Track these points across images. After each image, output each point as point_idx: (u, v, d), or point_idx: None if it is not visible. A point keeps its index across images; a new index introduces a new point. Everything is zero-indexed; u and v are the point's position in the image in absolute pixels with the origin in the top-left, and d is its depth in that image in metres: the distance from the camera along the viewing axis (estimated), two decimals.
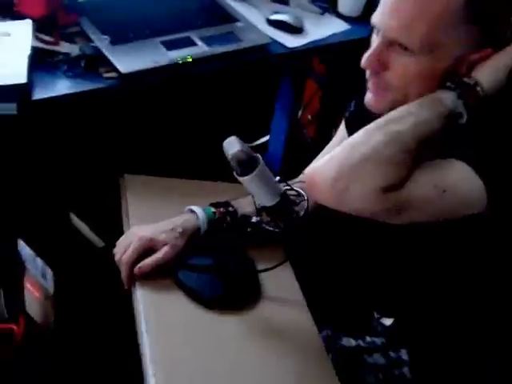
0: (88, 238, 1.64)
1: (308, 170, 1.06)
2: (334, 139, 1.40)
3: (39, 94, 1.35)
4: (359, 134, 1.02)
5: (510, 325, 1.18)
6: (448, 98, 1.01)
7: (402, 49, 1.03)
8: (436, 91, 1.03)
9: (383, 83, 1.08)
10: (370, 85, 1.11)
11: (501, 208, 1.00)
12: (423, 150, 0.99)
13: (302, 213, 1.14)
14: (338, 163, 0.99)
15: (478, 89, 1.01)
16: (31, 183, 1.71)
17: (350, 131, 1.34)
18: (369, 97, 1.12)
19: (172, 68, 1.47)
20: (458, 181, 1.00)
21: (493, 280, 1.16)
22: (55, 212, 1.77)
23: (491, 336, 1.22)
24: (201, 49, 1.52)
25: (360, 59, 1.10)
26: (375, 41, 1.07)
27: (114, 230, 1.33)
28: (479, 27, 1.02)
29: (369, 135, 1.00)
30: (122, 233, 1.28)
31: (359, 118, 1.27)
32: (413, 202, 0.98)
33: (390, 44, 1.04)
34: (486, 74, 1.02)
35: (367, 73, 1.10)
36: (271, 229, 1.15)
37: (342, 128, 1.38)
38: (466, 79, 1.02)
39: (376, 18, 1.07)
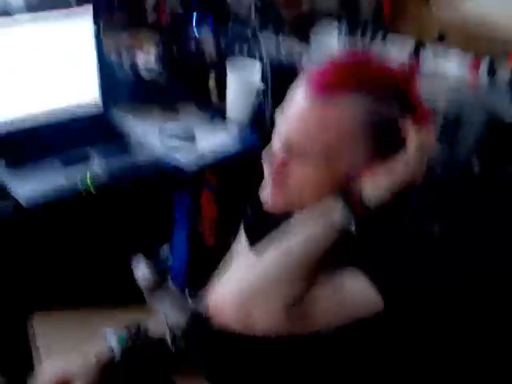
0: None
1: (210, 299, 1.08)
2: (234, 247, 1.43)
3: None
4: (254, 258, 1.08)
5: None
6: (336, 210, 1.07)
7: (302, 156, 1.08)
8: (324, 203, 1.09)
9: (281, 182, 1.12)
10: (268, 180, 1.15)
11: (395, 309, 1.05)
12: (318, 263, 1.04)
13: (214, 328, 1.17)
14: (237, 291, 1.03)
15: (364, 200, 1.07)
16: None
17: (249, 236, 1.38)
18: (266, 192, 1.16)
19: (71, 188, 1.49)
20: (354, 288, 1.04)
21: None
22: None
23: None
24: (99, 166, 1.56)
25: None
26: (277, 141, 1.12)
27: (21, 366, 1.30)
28: (375, 146, 1.08)
29: (263, 258, 1.06)
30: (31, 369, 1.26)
31: (256, 224, 1.32)
32: (314, 313, 1.03)
33: (290, 150, 1.09)
34: (372, 186, 1.08)
35: (266, 168, 1.14)
36: (186, 346, 1.17)
37: (242, 234, 1.41)
38: (351, 190, 1.08)
39: (279, 124, 1.12)
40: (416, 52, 1.90)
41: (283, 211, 1.17)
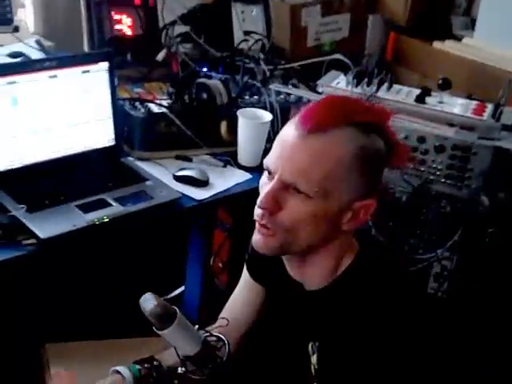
0: None
1: None
2: (240, 282, 1.46)
3: None
4: None
5: None
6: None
7: (297, 192, 1.10)
8: None
9: (275, 224, 1.13)
10: (259, 226, 1.16)
11: None
12: None
13: (225, 357, 1.18)
14: None
15: None
16: None
17: (251, 273, 1.42)
18: (257, 238, 1.17)
19: (90, 229, 1.52)
20: None
21: None
22: None
23: None
24: (116, 209, 1.59)
25: None
26: (268, 183, 1.13)
27: None
28: (366, 180, 1.12)
29: None
30: None
31: (257, 260, 1.34)
32: None
33: (285, 186, 1.11)
34: None
35: (257, 214, 1.15)
36: (198, 377, 1.17)
37: (245, 271, 1.44)
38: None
39: (271, 161, 1.14)
40: (421, 98, 1.95)
41: (278, 254, 1.20)
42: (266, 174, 1.16)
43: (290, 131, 1.12)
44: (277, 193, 1.11)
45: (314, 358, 1.19)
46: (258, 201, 1.14)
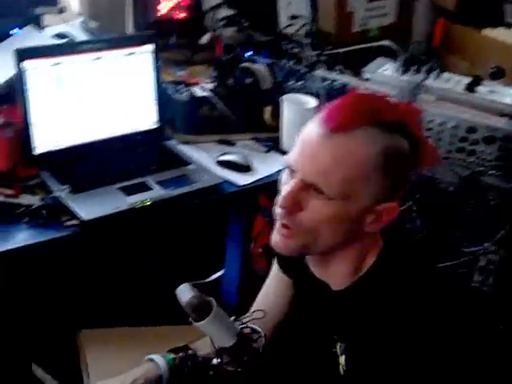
0: None
1: None
2: (270, 273, 1.44)
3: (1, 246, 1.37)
4: None
5: None
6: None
7: (318, 192, 1.06)
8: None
9: (295, 224, 1.10)
10: (279, 226, 1.13)
11: None
12: None
13: (260, 349, 1.16)
14: None
15: None
16: None
17: (280, 265, 1.40)
18: (276, 239, 1.13)
19: (131, 212, 1.51)
20: None
21: None
22: (17, 363, 1.74)
23: None
24: (158, 192, 1.58)
25: None
26: (289, 181, 1.09)
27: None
28: (390, 182, 1.08)
29: None
30: None
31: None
32: None
33: (306, 186, 1.07)
34: None
35: (278, 213, 1.12)
36: (233, 369, 1.15)
37: (275, 263, 1.42)
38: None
39: (292, 158, 1.10)
40: (472, 87, 1.90)
41: (297, 255, 1.17)
42: (287, 171, 1.13)
43: (313, 129, 1.08)
44: (297, 193, 1.08)
45: (342, 359, 1.17)
46: (278, 200, 1.11)
